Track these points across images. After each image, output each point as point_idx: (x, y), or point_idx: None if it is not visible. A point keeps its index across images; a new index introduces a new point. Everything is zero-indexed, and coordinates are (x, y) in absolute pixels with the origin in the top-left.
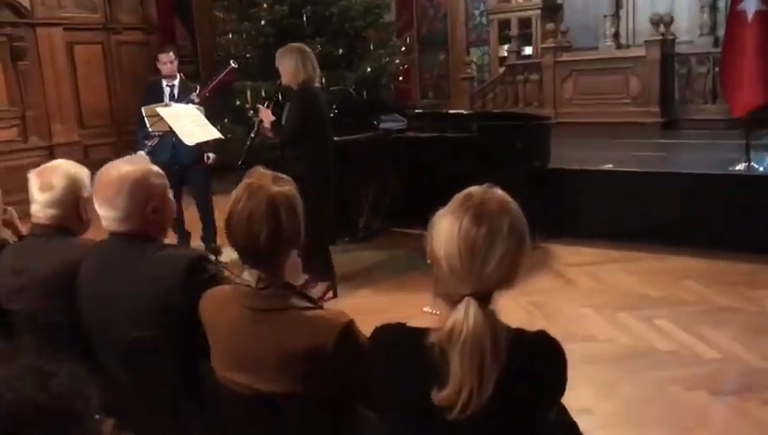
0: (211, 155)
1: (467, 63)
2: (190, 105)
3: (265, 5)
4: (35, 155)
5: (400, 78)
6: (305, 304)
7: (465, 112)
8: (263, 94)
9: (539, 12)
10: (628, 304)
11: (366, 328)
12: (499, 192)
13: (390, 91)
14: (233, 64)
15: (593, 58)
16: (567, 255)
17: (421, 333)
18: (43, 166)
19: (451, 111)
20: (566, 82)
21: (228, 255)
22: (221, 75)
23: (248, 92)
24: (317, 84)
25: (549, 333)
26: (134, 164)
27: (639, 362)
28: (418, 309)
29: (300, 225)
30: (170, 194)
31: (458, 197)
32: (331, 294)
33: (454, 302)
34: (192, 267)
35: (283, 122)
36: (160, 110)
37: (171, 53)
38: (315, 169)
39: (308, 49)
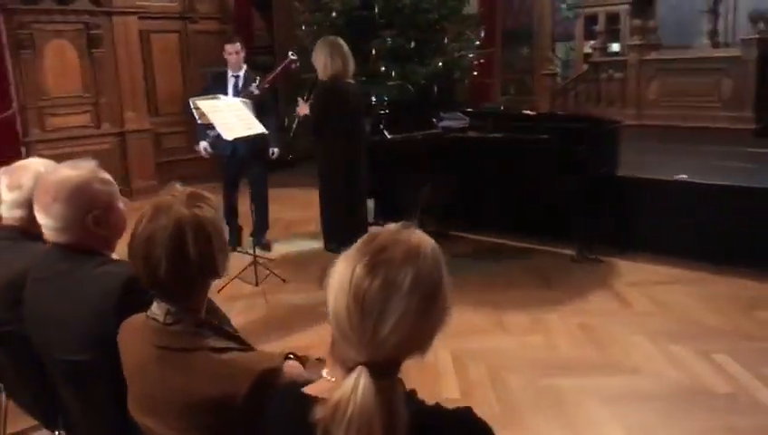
0: (275, 150)
1: (550, 59)
2: (237, 99)
3: None
4: (107, 141)
5: (475, 73)
6: (223, 344)
7: (531, 113)
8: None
9: (628, 7)
10: (686, 332)
11: None
12: (415, 236)
13: (464, 87)
14: (291, 56)
15: (682, 57)
16: (629, 272)
17: (311, 404)
18: (14, 164)
19: (517, 112)
20: (651, 81)
21: (278, 251)
22: (280, 67)
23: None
24: (349, 80)
25: (476, 413)
26: (77, 169)
27: (686, 405)
28: (449, 324)
29: (216, 253)
30: (120, 203)
31: (365, 236)
32: None
33: (347, 369)
34: (128, 288)
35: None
36: (201, 102)
37: (237, 44)
38: (334, 167)
39: (339, 42)
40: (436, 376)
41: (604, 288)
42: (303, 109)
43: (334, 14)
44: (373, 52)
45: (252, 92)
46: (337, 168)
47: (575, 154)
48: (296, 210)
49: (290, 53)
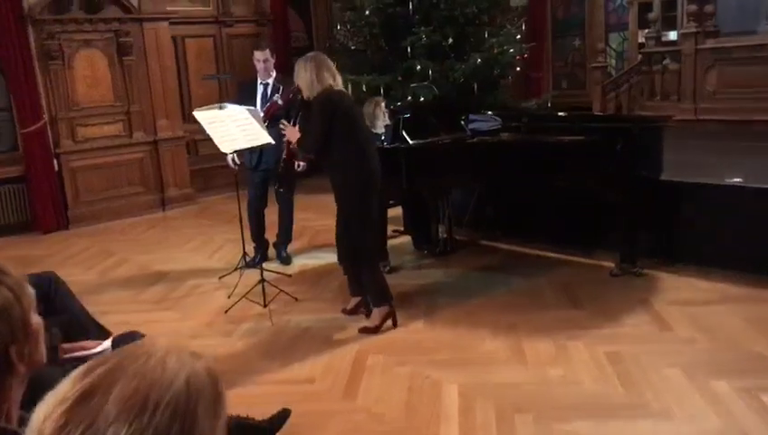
0: (302, 163)
1: (600, 51)
2: (243, 108)
3: None
4: (140, 150)
5: (518, 68)
6: None
7: (567, 114)
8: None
9: None
10: (732, 365)
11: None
12: (159, 369)
13: (507, 84)
14: None
15: (743, 45)
16: (673, 288)
17: None
18: None
19: (557, 113)
20: (709, 72)
21: (298, 264)
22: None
23: (349, 87)
24: (338, 88)
25: None
26: None
27: None
28: (462, 351)
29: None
30: None
31: (89, 363)
32: (390, 323)
33: None
34: None
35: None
36: (198, 114)
37: (267, 51)
38: (348, 180)
39: (322, 57)
40: (436, 419)
41: (642, 308)
42: (292, 133)
43: (368, 12)
44: (408, 50)
45: (276, 102)
46: (354, 181)
47: (612, 156)
48: (325, 218)
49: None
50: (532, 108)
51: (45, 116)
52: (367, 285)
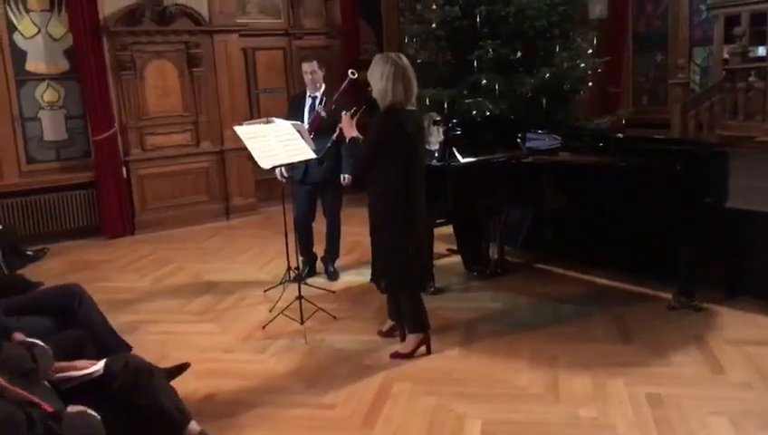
0: (347, 176)
1: (681, 67)
2: (288, 123)
3: (435, 6)
4: (206, 160)
5: (590, 84)
6: None
7: (634, 136)
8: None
9: None
10: None
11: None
12: None
13: (578, 99)
14: (351, 74)
15: None
16: (733, 325)
17: None
18: None
19: (617, 134)
20: None
21: (344, 280)
22: (342, 87)
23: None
24: (410, 107)
25: None
26: None
27: None
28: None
29: None
30: None
31: None
32: (423, 349)
33: None
34: None
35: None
36: (239, 128)
37: (314, 63)
38: (391, 205)
39: (402, 63)
40: None
41: (695, 345)
42: (348, 125)
43: (434, 24)
44: (475, 63)
45: (319, 114)
46: (399, 207)
47: (672, 181)
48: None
49: (350, 71)
50: (605, 125)
51: (116, 124)
52: (405, 311)
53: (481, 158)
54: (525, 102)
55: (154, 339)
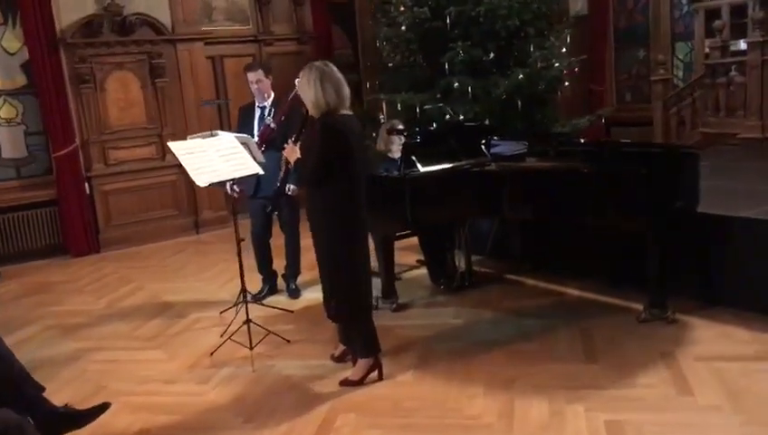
0: (292, 187)
1: (661, 63)
2: (233, 136)
3: (402, 8)
4: (173, 173)
5: (566, 83)
6: None
7: (605, 140)
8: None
9: None
10: None
11: None
12: None
13: (555, 100)
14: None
15: None
16: (707, 339)
17: None
18: None
19: (581, 139)
20: None
21: (306, 298)
22: (291, 95)
23: (383, 106)
24: (345, 111)
25: None
26: None
27: None
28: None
29: None
30: None
31: None
32: (375, 375)
33: None
34: None
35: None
36: (173, 145)
37: (260, 71)
38: (336, 220)
39: (328, 69)
40: None
41: (663, 363)
42: (292, 152)
43: (404, 27)
44: (446, 66)
45: (269, 125)
46: (345, 222)
47: (640, 185)
48: None
49: (296, 80)
50: (583, 125)
51: (77, 139)
52: (355, 335)
53: (441, 166)
54: (500, 105)
55: (95, 369)
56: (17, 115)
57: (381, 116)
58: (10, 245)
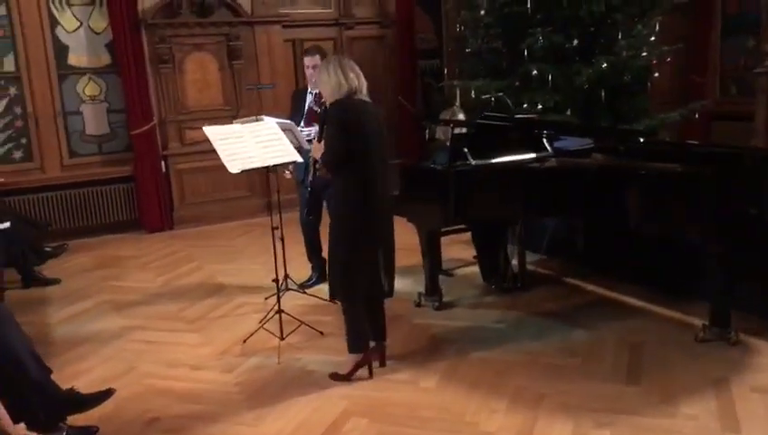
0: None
1: (767, 53)
2: (274, 121)
3: None
4: None
5: (656, 74)
6: None
7: (671, 141)
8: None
9: None
10: None
11: None
12: None
13: (645, 91)
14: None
15: None
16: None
17: None
18: None
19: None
20: None
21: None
22: None
23: (457, 92)
24: (363, 97)
25: None
26: None
27: None
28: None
29: None
30: None
31: None
32: (365, 372)
33: None
34: None
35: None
36: (208, 129)
37: (317, 56)
38: (342, 212)
39: (347, 59)
40: None
41: (715, 391)
42: (318, 150)
43: (483, 11)
44: (525, 53)
45: (312, 109)
46: (355, 207)
47: (706, 187)
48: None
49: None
50: (673, 119)
51: (155, 118)
52: (347, 325)
53: (495, 160)
54: (583, 95)
55: (131, 348)
56: (101, 93)
57: (456, 104)
58: (90, 218)
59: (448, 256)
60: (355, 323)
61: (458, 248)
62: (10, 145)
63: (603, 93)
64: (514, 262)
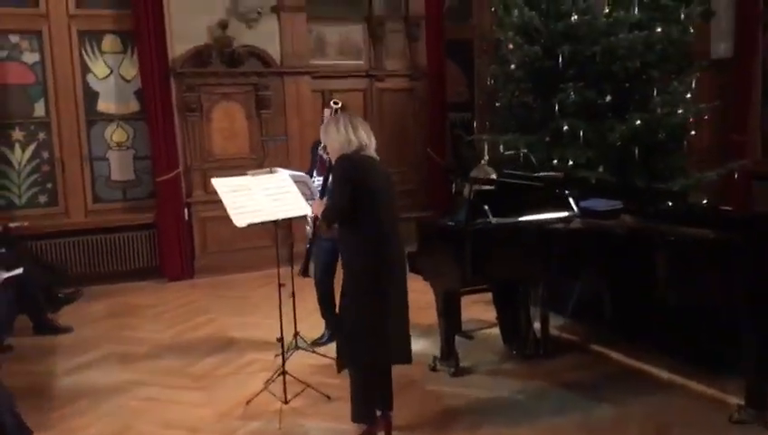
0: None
1: None
2: (287, 174)
3: (512, 46)
4: None
5: (692, 132)
6: None
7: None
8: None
9: None
10: None
11: None
12: None
13: (681, 149)
14: (333, 105)
15: None
16: None
17: None
18: None
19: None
20: None
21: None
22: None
23: (485, 147)
24: (370, 154)
25: None
26: None
27: None
28: None
29: None
30: None
31: None
32: None
33: None
34: None
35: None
36: (217, 181)
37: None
38: (355, 267)
39: (357, 118)
40: None
41: None
42: (319, 207)
43: (513, 66)
44: (556, 108)
45: (322, 158)
46: (354, 268)
47: (736, 254)
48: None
49: (332, 101)
50: (710, 178)
51: (180, 166)
52: (353, 394)
53: (515, 219)
54: (616, 152)
55: (132, 406)
56: (128, 139)
57: (484, 159)
58: (111, 264)
59: (470, 316)
60: (363, 390)
61: (481, 308)
62: (36, 189)
63: (637, 151)
64: (537, 325)
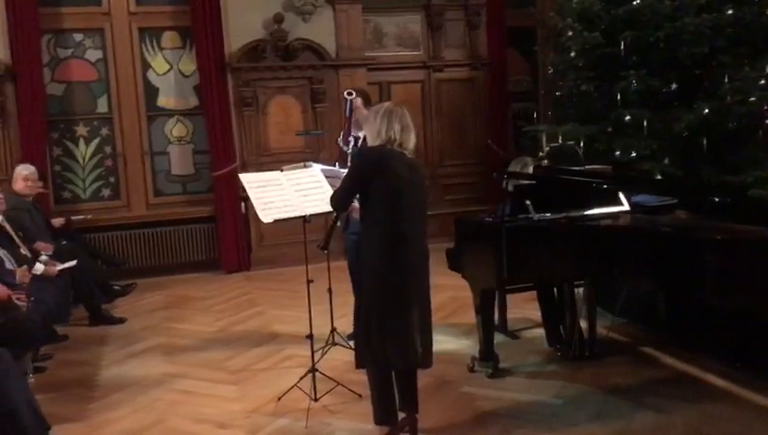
0: None
1: None
2: (318, 168)
3: (571, 32)
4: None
5: (767, 121)
6: None
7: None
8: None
9: None
10: None
11: None
12: None
13: (756, 139)
14: (347, 96)
15: None
16: None
17: None
18: None
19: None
20: None
21: None
22: (348, 114)
23: (543, 138)
24: (400, 150)
25: None
26: None
27: None
28: None
29: None
30: None
31: None
32: None
33: None
34: None
35: None
36: (244, 176)
37: (357, 100)
38: (370, 264)
39: (402, 109)
40: None
41: None
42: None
43: (573, 54)
44: (618, 96)
45: (342, 149)
46: (370, 265)
47: None
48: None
49: (345, 92)
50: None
51: (237, 160)
52: (371, 395)
53: (560, 215)
54: (682, 142)
55: (166, 398)
56: (187, 134)
57: (540, 152)
58: (171, 256)
59: (518, 314)
60: (380, 391)
61: (532, 306)
62: (99, 183)
63: (705, 141)
64: (583, 325)
